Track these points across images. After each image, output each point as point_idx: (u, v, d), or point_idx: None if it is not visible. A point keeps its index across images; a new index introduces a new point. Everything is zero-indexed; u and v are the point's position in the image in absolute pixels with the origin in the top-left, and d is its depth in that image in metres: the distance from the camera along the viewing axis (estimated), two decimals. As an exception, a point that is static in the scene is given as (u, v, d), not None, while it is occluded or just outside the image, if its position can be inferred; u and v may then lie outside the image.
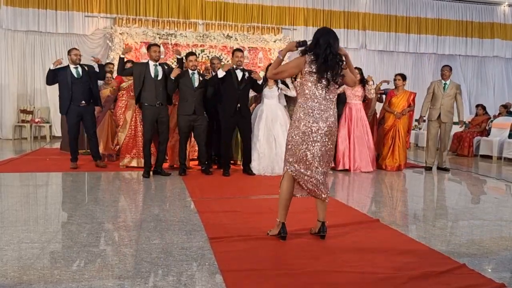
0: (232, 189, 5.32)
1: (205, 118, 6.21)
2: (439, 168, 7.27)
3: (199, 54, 10.75)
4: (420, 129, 11.32)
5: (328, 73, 3.17)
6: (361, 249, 3.09)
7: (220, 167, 6.49)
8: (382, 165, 7.13)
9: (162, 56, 11.06)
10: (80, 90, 6.34)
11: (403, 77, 7.26)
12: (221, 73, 6.01)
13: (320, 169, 3.23)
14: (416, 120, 9.10)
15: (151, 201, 4.60)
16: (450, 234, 3.59)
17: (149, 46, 6.09)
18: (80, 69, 6.41)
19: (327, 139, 3.22)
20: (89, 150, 7.34)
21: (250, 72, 6.30)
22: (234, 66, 6.17)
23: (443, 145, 7.31)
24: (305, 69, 3.21)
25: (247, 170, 6.26)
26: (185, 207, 4.31)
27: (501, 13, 14.28)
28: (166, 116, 6.07)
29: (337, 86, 3.28)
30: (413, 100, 7.19)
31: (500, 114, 10.71)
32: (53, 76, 6.34)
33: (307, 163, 3.21)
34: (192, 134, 6.37)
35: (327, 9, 12.92)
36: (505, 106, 10.97)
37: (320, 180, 3.25)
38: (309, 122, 3.17)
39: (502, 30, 14.29)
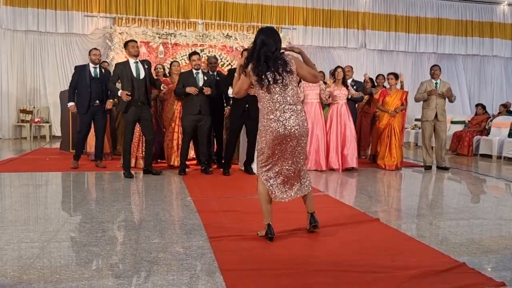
0: (232, 189, 5.32)
1: (209, 118, 6.14)
2: (438, 167, 7.28)
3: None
4: (420, 128, 11.31)
5: (268, 74, 3.01)
6: (360, 248, 3.09)
7: (219, 167, 6.48)
8: (381, 164, 7.15)
9: (161, 56, 11.10)
10: (96, 89, 6.39)
11: (396, 76, 7.34)
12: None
13: (290, 169, 3.16)
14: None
15: (150, 200, 4.59)
16: (450, 233, 3.59)
17: (126, 43, 5.88)
18: (98, 69, 6.48)
19: (291, 141, 3.09)
20: (87, 151, 7.32)
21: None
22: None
23: (441, 144, 7.32)
24: (252, 78, 3.09)
25: (249, 169, 6.26)
26: (185, 206, 4.31)
27: (501, 13, 14.29)
28: (149, 115, 5.93)
29: (290, 86, 3.07)
30: (406, 99, 7.27)
31: (499, 113, 10.71)
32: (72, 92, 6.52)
33: (274, 168, 3.15)
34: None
35: (327, 9, 12.95)
36: (504, 105, 10.98)
37: (294, 179, 3.21)
38: (269, 125, 3.07)
39: (501, 29, 14.31)
